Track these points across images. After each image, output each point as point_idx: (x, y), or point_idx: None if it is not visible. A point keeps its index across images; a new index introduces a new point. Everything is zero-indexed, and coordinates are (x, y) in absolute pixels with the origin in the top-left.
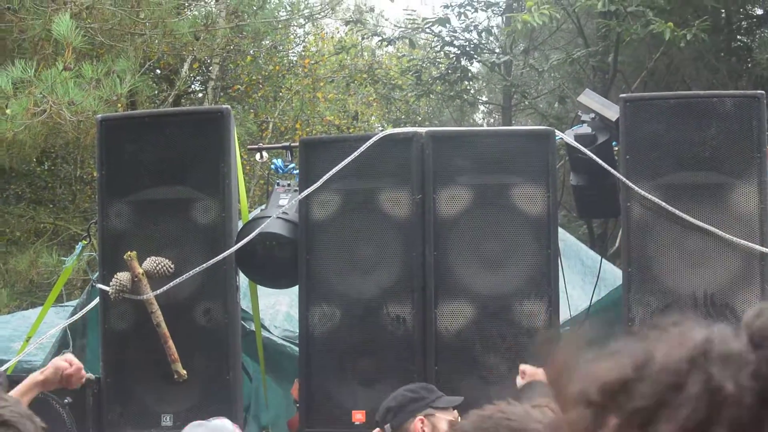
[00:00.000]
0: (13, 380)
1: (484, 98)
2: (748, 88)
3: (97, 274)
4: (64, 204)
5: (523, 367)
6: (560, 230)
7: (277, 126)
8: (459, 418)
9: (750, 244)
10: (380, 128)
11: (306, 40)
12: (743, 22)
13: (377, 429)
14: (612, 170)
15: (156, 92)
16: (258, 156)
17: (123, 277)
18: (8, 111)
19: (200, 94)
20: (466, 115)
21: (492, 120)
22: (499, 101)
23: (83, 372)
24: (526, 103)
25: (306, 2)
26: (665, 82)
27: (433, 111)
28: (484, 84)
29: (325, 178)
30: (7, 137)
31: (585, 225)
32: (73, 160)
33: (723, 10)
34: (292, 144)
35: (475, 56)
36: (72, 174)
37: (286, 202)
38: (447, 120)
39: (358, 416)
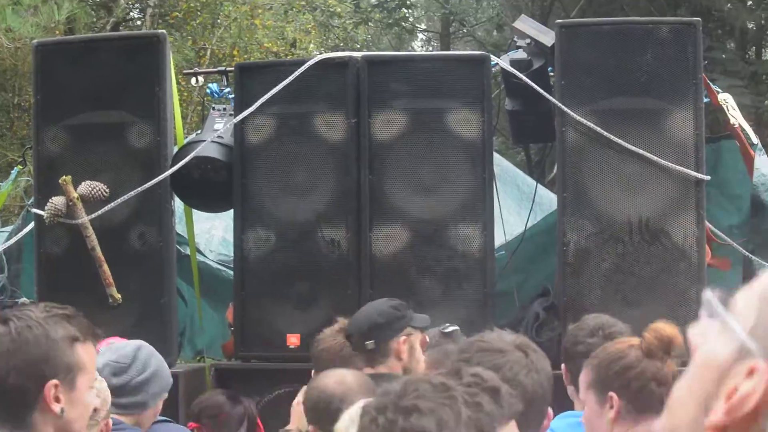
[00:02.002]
0: None
1: (423, 26)
2: (687, 17)
3: (32, 199)
4: (1, 131)
5: None
6: (496, 156)
7: (215, 53)
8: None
9: (685, 170)
10: (318, 55)
11: None
12: None
13: (345, 340)
14: (547, 95)
15: (94, 19)
16: (194, 81)
17: (58, 201)
18: None
19: (138, 22)
20: (405, 42)
21: (430, 48)
22: (438, 29)
23: None
24: (465, 30)
25: None
26: (604, 10)
27: (372, 39)
28: (423, 12)
29: (260, 102)
30: None
31: (522, 152)
32: (11, 87)
33: None
34: (228, 69)
35: None
36: (10, 101)
37: (221, 126)
38: (385, 48)
39: (293, 339)
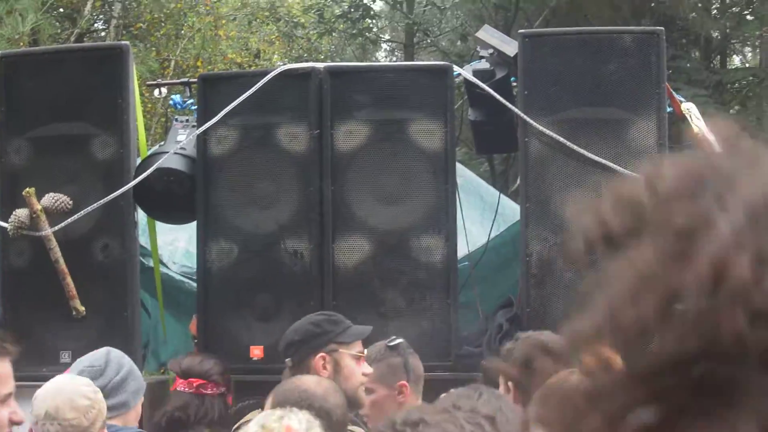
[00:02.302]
0: None
1: (387, 36)
2: (651, 26)
3: None
4: None
5: None
6: (459, 166)
7: (179, 64)
8: (365, 351)
9: None
10: (281, 66)
11: None
12: None
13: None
14: (510, 105)
15: (59, 31)
16: (157, 92)
17: (21, 213)
18: None
19: (103, 33)
20: (369, 53)
21: (394, 58)
22: (402, 39)
23: None
24: (429, 41)
25: None
26: (567, 20)
27: (336, 49)
28: (387, 22)
29: (223, 113)
30: None
31: (486, 162)
32: None
33: None
34: (191, 80)
35: None
36: None
37: (184, 137)
38: (349, 58)
39: (256, 351)
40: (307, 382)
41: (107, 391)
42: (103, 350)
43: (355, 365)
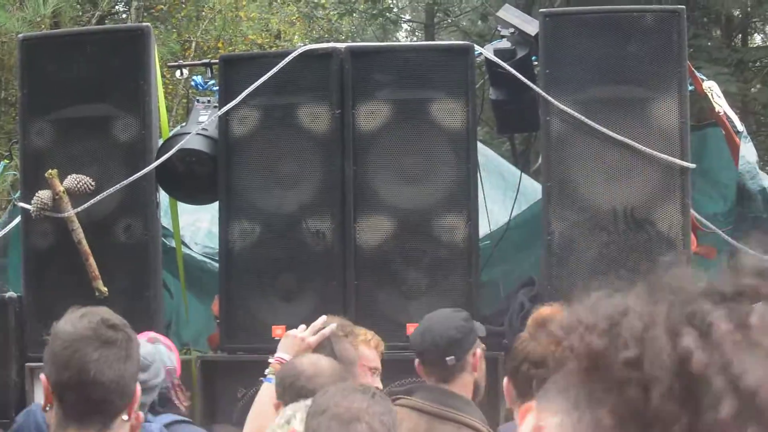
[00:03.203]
0: None
1: (407, 17)
2: (672, 5)
3: (18, 193)
4: None
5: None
6: (481, 146)
7: (200, 45)
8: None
9: (670, 158)
10: (302, 46)
11: None
12: None
13: (418, 360)
14: (531, 85)
15: (80, 13)
16: (178, 73)
17: (44, 195)
18: None
19: (123, 15)
20: (389, 33)
21: (415, 38)
22: (422, 19)
23: None
24: (449, 21)
25: None
26: None
27: (356, 30)
28: (407, 2)
29: (244, 93)
30: None
31: (507, 142)
32: None
33: None
34: (212, 61)
35: None
36: None
37: (205, 118)
38: (370, 39)
39: (278, 331)
40: (303, 362)
41: (144, 389)
42: (151, 347)
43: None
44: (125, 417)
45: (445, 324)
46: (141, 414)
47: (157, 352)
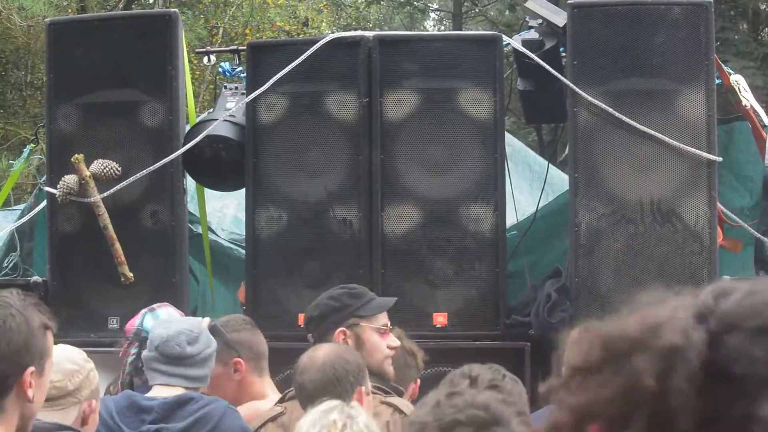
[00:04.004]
0: None
1: (435, 5)
2: None
3: (44, 177)
4: (14, 109)
5: None
6: (508, 136)
7: (227, 32)
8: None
9: (697, 151)
10: (330, 34)
11: None
12: None
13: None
14: (559, 75)
15: None
16: (206, 59)
17: (70, 179)
18: None
19: (151, 0)
20: (417, 22)
21: (442, 27)
22: (450, 8)
23: None
24: (477, 10)
25: None
26: None
27: (384, 18)
28: None
29: (272, 80)
30: None
31: (534, 132)
32: (24, 66)
33: None
34: (240, 48)
35: None
36: (23, 79)
37: (233, 105)
38: (397, 27)
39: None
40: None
41: (197, 361)
42: (198, 319)
43: (379, 338)
44: (23, 401)
45: (313, 302)
46: (93, 402)
47: (202, 322)
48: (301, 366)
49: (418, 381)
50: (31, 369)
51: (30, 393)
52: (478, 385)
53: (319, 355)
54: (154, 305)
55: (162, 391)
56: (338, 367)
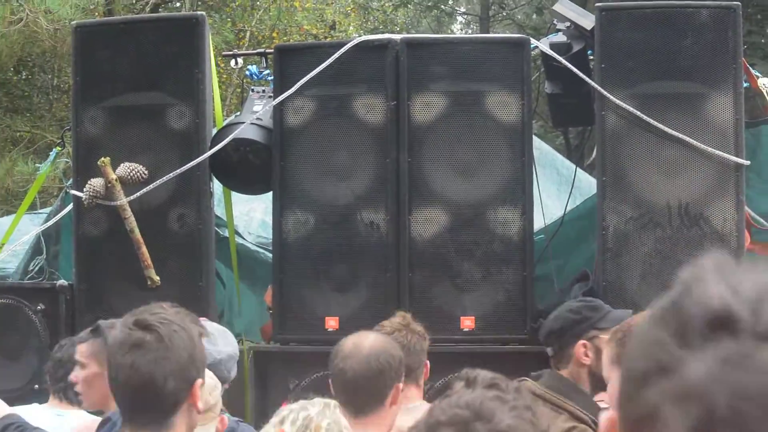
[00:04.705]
0: None
1: (462, 9)
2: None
3: (71, 180)
4: (41, 113)
5: None
6: (536, 139)
7: (254, 35)
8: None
9: (724, 155)
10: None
11: None
12: None
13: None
14: (587, 79)
15: (133, 1)
16: (233, 62)
17: (96, 183)
18: None
19: (178, 3)
20: (444, 25)
21: (469, 31)
22: (477, 12)
23: None
24: (504, 14)
25: None
26: None
27: (411, 21)
28: None
29: (300, 83)
30: None
31: (562, 136)
32: (51, 69)
33: None
34: (267, 51)
35: None
36: (49, 83)
37: (260, 108)
38: (425, 30)
39: (332, 323)
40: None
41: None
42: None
43: None
44: (191, 412)
45: (552, 315)
46: (225, 417)
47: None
48: (345, 351)
49: (428, 363)
50: (200, 381)
51: (200, 405)
52: (476, 384)
53: (365, 343)
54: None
55: None
56: (383, 360)
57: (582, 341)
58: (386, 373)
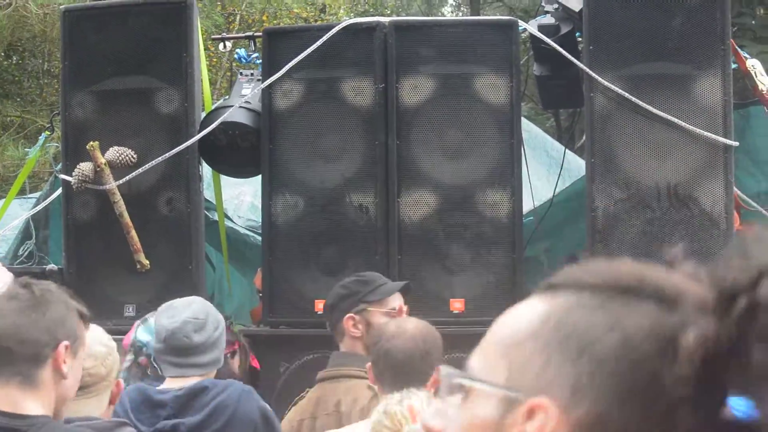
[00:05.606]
0: None
1: None
2: None
3: (60, 165)
4: (31, 97)
5: None
6: (525, 122)
7: (244, 18)
8: (404, 305)
9: (713, 136)
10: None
11: None
12: None
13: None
14: (575, 60)
15: None
16: (221, 46)
17: (85, 167)
18: None
19: None
20: (434, 8)
21: (460, 14)
22: None
23: None
24: None
25: None
26: None
27: (401, 4)
28: None
29: (288, 66)
30: None
31: (552, 118)
32: (41, 54)
33: None
34: (256, 34)
35: None
36: (39, 67)
37: (249, 91)
38: (415, 13)
39: (321, 306)
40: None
41: (206, 346)
42: (200, 301)
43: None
44: (58, 369)
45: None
46: (121, 381)
47: (205, 304)
48: (389, 333)
49: None
50: (66, 343)
51: (65, 369)
52: None
53: (408, 326)
54: (147, 315)
55: (174, 383)
56: (428, 340)
57: (349, 314)
58: (432, 353)
